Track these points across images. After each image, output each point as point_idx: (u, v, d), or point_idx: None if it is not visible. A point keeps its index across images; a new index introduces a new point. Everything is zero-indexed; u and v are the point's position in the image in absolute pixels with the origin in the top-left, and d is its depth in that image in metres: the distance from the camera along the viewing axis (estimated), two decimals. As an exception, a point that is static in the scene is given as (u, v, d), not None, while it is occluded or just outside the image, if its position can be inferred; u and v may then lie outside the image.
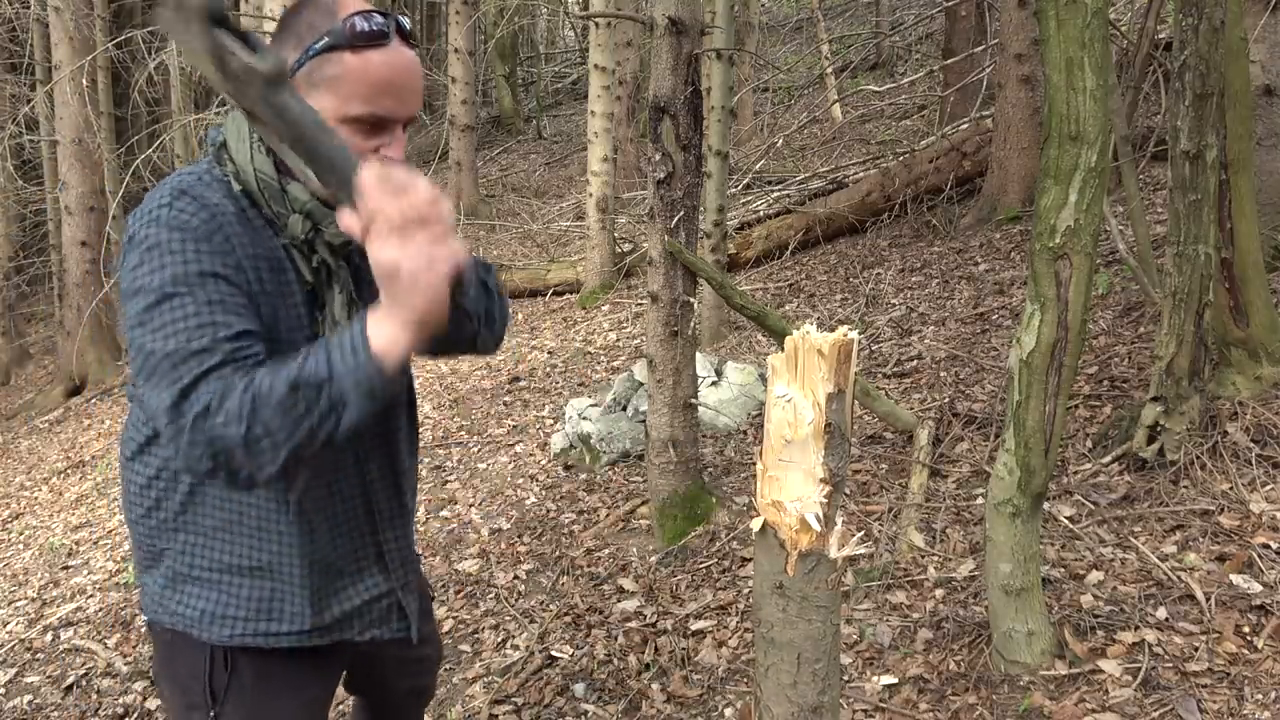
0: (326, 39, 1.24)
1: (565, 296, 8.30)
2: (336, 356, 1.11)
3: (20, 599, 4.56)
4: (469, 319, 1.44)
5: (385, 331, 1.10)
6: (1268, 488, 2.88)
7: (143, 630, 3.75)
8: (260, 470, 1.14)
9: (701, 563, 3.33)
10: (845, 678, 2.50)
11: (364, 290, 1.39)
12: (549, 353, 6.76)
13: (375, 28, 1.24)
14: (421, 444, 5.34)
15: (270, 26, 5.71)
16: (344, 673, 1.68)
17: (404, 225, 1.05)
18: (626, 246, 8.39)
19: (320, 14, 1.26)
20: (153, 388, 1.18)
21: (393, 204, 1.05)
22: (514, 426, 5.35)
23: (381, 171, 1.07)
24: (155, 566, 1.43)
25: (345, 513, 1.44)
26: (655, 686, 2.70)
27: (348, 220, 1.09)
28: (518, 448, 4.99)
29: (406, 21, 1.28)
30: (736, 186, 8.22)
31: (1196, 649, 2.32)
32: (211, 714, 1.42)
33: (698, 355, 3.95)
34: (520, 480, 4.53)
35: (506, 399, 5.91)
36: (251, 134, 1.30)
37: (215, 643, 1.40)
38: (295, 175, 1.26)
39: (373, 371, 1.11)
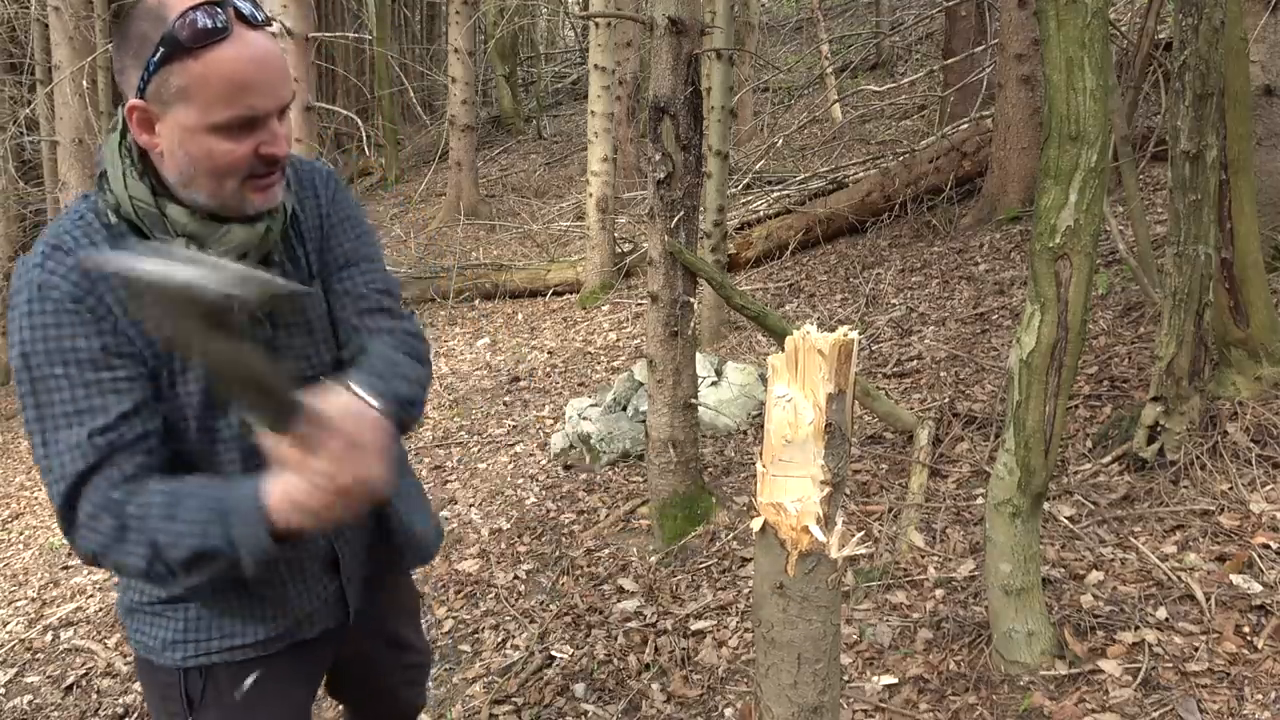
0: (162, 49, 1.11)
1: (565, 296, 8.30)
2: (241, 533, 1.12)
3: (20, 599, 4.55)
4: None
5: (292, 523, 1.11)
6: (1268, 488, 2.88)
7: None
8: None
9: (701, 563, 3.33)
10: (845, 678, 2.50)
11: (278, 304, 1.32)
12: (549, 353, 6.76)
13: (212, 24, 1.11)
14: (421, 444, 5.35)
15: (271, 27, 5.70)
16: (325, 676, 1.67)
17: (344, 492, 1.07)
18: (626, 246, 8.39)
19: (150, 21, 1.12)
20: (42, 474, 1.20)
21: (339, 470, 1.06)
22: (514, 426, 5.35)
23: (328, 424, 1.05)
24: (121, 591, 1.44)
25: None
26: (655, 686, 2.70)
27: (273, 448, 1.07)
28: (518, 448, 4.99)
29: (250, 6, 1.16)
30: (736, 186, 8.22)
31: (1196, 649, 2.32)
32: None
33: (698, 355, 3.95)
34: (520, 480, 4.53)
35: (506, 399, 5.91)
36: (123, 157, 1.21)
37: (177, 666, 1.40)
38: (175, 195, 1.21)
39: (272, 547, 1.12)
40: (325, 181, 1.43)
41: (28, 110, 9.98)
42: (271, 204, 1.25)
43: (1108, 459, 3.22)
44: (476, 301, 8.61)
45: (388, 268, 1.49)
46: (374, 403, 1.16)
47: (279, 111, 1.19)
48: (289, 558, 1.39)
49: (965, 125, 7.61)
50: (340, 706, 2.07)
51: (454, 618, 3.34)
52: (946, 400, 4.08)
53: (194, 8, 1.11)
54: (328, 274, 1.41)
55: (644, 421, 3.81)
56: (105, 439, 1.17)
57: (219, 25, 1.12)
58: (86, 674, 3.50)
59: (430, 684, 2.94)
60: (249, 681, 1.42)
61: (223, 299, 0.97)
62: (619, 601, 3.20)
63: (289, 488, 1.09)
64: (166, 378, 1.24)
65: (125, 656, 3.56)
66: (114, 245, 1.20)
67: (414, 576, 1.85)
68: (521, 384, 6.18)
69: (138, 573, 1.17)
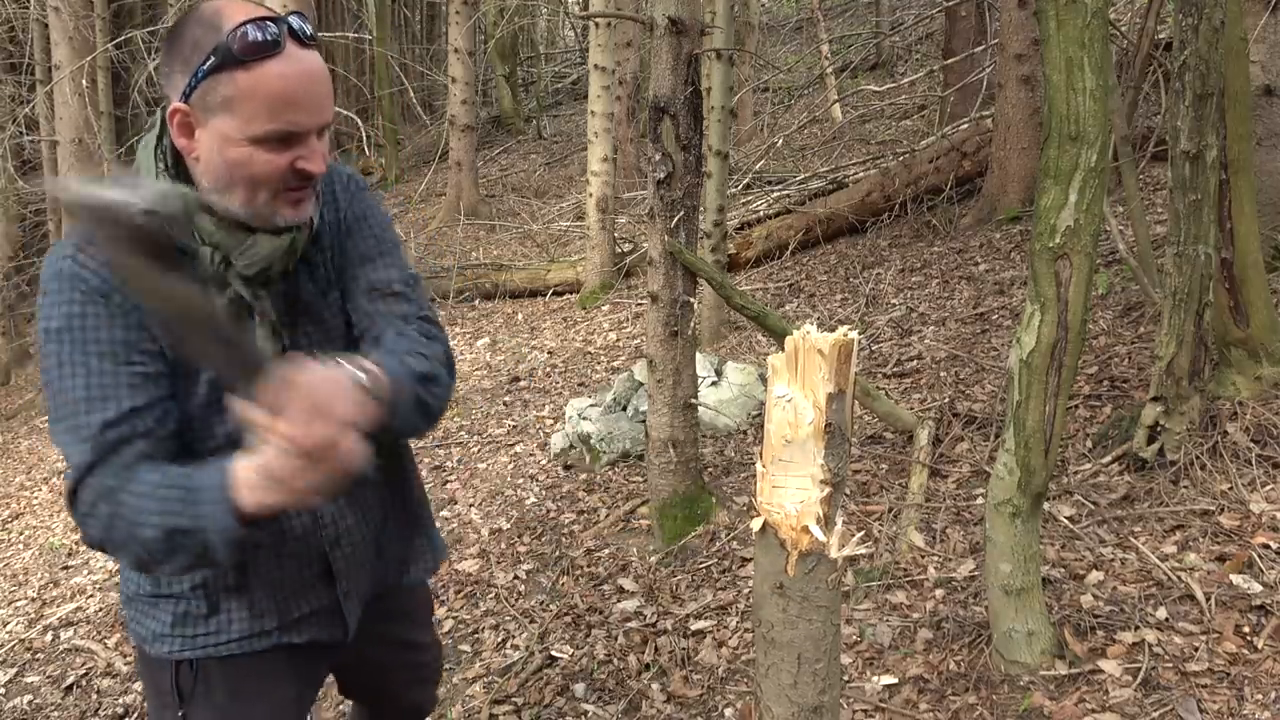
0: (213, 58, 1.14)
1: (565, 296, 8.30)
2: (207, 510, 1.11)
3: (20, 599, 4.55)
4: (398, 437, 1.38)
5: (259, 499, 1.09)
6: (1268, 488, 2.88)
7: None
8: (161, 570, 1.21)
9: (701, 563, 3.33)
10: (845, 678, 2.50)
11: (296, 314, 1.35)
12: (549, 353, 6.76)
13: (265, 38, 1.14)
14: (421, 444, 5.34)
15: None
16: (329, 676, 1.67)
17: (309, 457, 1.04)
18: (626, 246, 8.39)
19: (204, 29, 1.15)
20: (64, 455, 1.22)
21: (303, 433, 1.03)
22: (514, 426, 5.35)
23: (295, 386, 1.04)
24: (120, 579, 1.46)
25: (289, 541, 1.40)
26: (655, 686, 2.70)
27: (245, 411, 1.05)
28: (518, 448, 4.99)
29: (301, 22, 1.18)
30: (736, 186, 8.22)
31: (1196, 649, 2.32)
32: (180, 714, 1.43)
33: (698, 355, 3.95)
34: (520, 480, 4.53)
35: (506, 399, 5.91)
36: (158, 160, 1.24)
37: (167, 657, 1.41)
38: (205, 204, 1.22)
39: (241, 533, 1.12)
40: (345, 185, 1.44)
41: (27, 109, 9.98)
42: (301, 218, 1.27)
43: (1108, 459, 3.22)
44: (476, 301, 8.61)
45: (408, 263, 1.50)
46: (363, 373, 1.15)
47: (319, 130, 1.22)
48: (272, 554, 1.38)
49: (965, 125, 7.61)
50: (343, 705, 2.07)
51: (454, 618, 3.34)
52: (946, 400, 4.08)
53: (250, 21, 1.14)
54: (346, 275, 1.41)
55: (644, 421, 3.80)
56: (115, 431, 1.19)
57: (273, 40, 1.14)
58: (86, 674, 3.50)
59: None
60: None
61: (144, 216, 0.97)
62: (619, 601, 3.20)
63: (256, 459, 1.08)
64: (184, 376, 1.27)
65: (125, 656, 3.56)
66: None
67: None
68: (521, 384, 6.18)
69: (133, 560, 1.19)
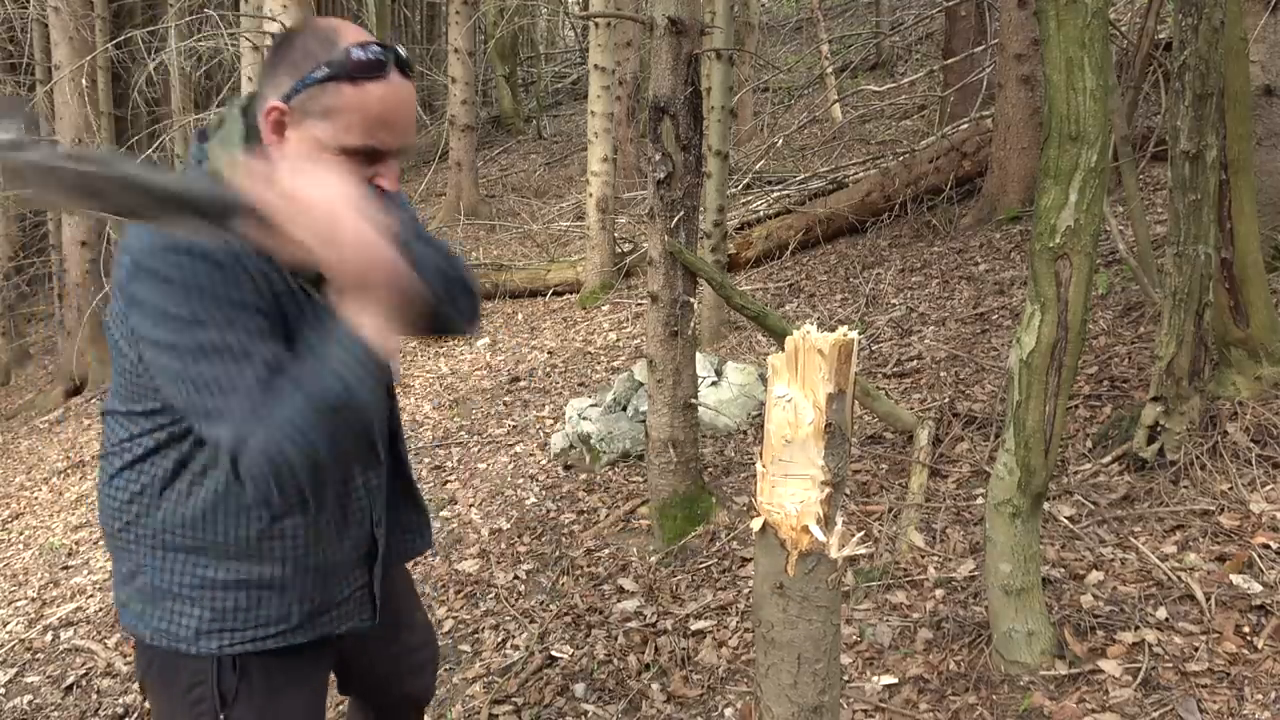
0: (325, 69, 1.24)
1: (565, 296, 8.30)
2: (347, 370, 1.17)
3: (20, 599, 4.56)
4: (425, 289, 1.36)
5: (371, 325, 1.18)
6: (1268, 488, 2.88)
7: (143, 630, 3.74)
8: (323, 486, 1.23)
9: (701, 563, 3.33)
10: (845, 678, 2.50)
11: None
12: (549, 353, 6.76)
13: (374, 58, 1.24)
14: (421, 444, 5.35)
15: (271, 26, 5.70)
16: (333, 670, 1.68)
17: (327, 215, 1.11)
18: (626, 246, 8.39)
19: (318, 42, 1.26)
20: (208, 424, 1.21)
21: (307, 197, 1.10)
22: (514, 426, 5.35)
23: (266, 171, 1.11)
24: (133, 582, 1.42)
25: (355, 514, 1.46)
26: (655, 686, 2.70)
27: (256, 234, 1.11)
28: (518, 448, 5.00)
29: (404, 52, 1.29)
30: (736, 186, 8.22)
31: (1196, 649, 2.32)
32: (221, 717, 1.42)
33: (698, 355, 3.95)
34: (520, 480, 4.53)
35: (506, 399, 5.91)
36: (238, 150, 1.28)
37: (212, 654, 1.40)
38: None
39: (381, 368, 1.19)
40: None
41: (27, 109, 9.98)
42: None
43: (1108, 459, 3.22)
44: (476, 301, 8.60)
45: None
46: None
47: (399, 152, 1.31)
48: (335, 536, 1.42)
49: (965, 125, 7.61)
50: (341, 705, 2.07)
51: (454, 618, 3.34)
52: (946, 400, 4.08)
53: (364, 43, 1.25)
54: None
55: (644, 421, 3.81)
56: (267, 376, 1.21)
57: (382, 63, 1.25)
58: (86, 674, 3.50)
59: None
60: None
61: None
62: (619, 601, 3.20)
63: (339, 307, 1.17)
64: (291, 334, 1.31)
65: (125, 656, 3.56)
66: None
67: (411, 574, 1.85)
68: (521, 384, 6.18)
69: (309, 473, 1.18)
